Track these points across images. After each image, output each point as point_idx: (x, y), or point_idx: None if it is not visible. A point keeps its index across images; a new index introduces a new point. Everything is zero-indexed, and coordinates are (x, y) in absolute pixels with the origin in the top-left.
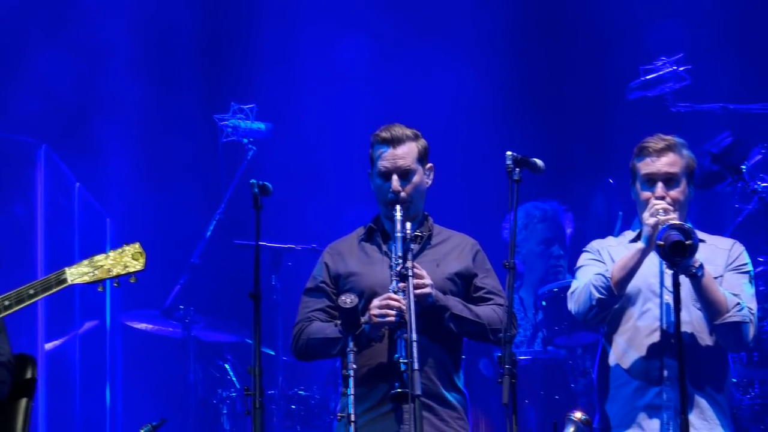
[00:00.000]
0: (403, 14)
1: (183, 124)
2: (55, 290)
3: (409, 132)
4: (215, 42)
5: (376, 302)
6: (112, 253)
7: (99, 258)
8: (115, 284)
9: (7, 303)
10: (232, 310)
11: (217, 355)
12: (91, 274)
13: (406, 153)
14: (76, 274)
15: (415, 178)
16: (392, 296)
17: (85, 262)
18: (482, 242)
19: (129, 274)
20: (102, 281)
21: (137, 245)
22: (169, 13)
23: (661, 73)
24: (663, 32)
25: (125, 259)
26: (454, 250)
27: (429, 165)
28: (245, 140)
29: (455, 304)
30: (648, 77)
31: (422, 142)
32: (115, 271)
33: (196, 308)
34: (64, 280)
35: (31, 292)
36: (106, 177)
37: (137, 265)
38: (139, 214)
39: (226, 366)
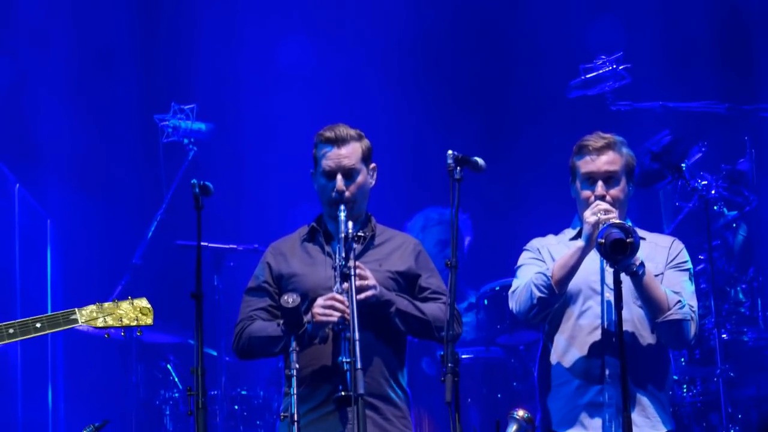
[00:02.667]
0: (343, 14)
1: (123, 125)
2: (62, 328)
3: (353, 132)
4: (155, 42)
5: (320, 301)
6: (121, 303)
7: (108, 305)
8: (122, 334)
9: (11, 331)
10: (174, 310)
11: (159, 356)
12: (102, 320)
13: (351, 153)
14: (87, 315)
15: (359, 178)
16: (336, 297)
17: (93, 306)
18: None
19: (137, 327)
20: (110, 329)
21: (145, 300)
22: (107, 12)
23: (600, 71)
24: (603, 31)
25: (136, 313)
26: (397, 250)
27: (372, 165)
28: (186, 140)
29: (400, 300)
30: (588, 76)
31: (366, 142)
32: (125, 322)
33: None
34: (74, 320)
35: (38, 325)
36: (46, 178)
37: (147, 320)
38: (80, 215)
39: (169, 367)
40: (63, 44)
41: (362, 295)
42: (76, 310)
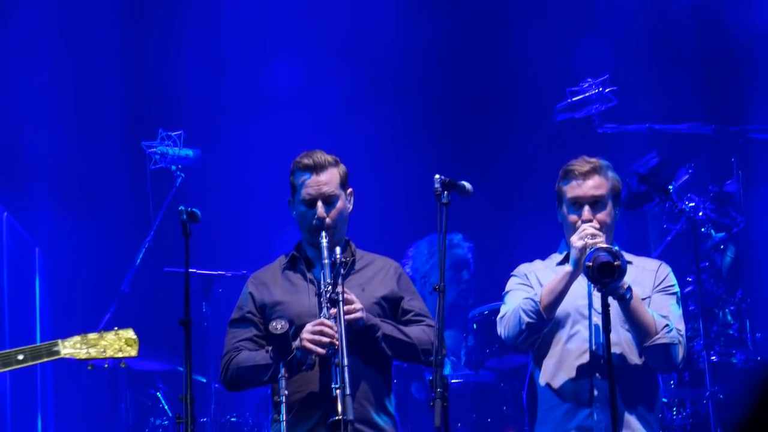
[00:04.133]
0: (328, 38)
1: (111, 152)
2: (45, 360)
3: (330, 158)
4: (142, 68)
5: (308, 327)
6: (106, 334)
7: (93, 336)
8: (105, 366)
9: None
10: (163, 337)
11: (148, 383)
12: (85, 351)
13: (330, 179)
14: (70, 347)
15: (339, 204)
16: (324, 322)
17: (78, 337)
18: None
19: (121, 359)
20: (91, 360)
21: (131, 331)
22: (94, 39)
23: (587, 94)
24: (589, 53)
25: (120, 344)
26: (378, 273)
27: (350, 190)
28: (173, 167)
29: (386, 325)
30: (574, 99)
31: (342, 167)
32: (109, 353)
33: None
34: (57, 352)
35: (20, 357)
36: (34, 206)
37: (131, 351)
38: (69, 243)
39: (158, 394)
40: (51, 70)
41: (350, 316)
42: (59, 341)
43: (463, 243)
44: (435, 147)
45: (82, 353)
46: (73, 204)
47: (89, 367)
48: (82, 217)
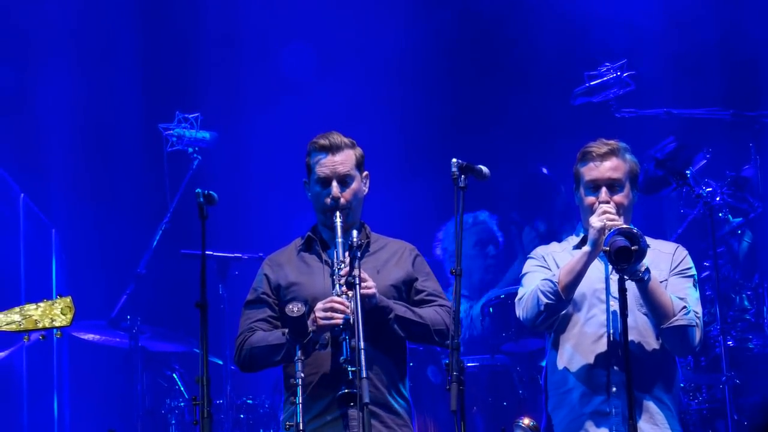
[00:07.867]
0: (344, 22)
1: (128, 134)
2: None
3: (346, 140)
4: (159, 51)
5: (320, 305)
6: (42, 305)
7: (29, 307)
8: (41, 337)
9: None
10: (179, 319)
11: (164, 365)
12: (19, 323)
13: (345, 159)
14: (4, 320)
15: (354, 185)
16: (336, 299)
17: (17, 309)
18: (422, 251)
19: (55, 328)
20: (27, 332)
21: (68, 299)
22: (110, 22)
23: (605, 78)
24: (607, 38)
25: (53, 312)
26: (393, 256)
27: (365, 173)
28: (190, 149)
29: (398, 306)
30: (592, 83)
31: (359, 150)
32: (41, 324)
33: (142, 318)
34: None
35: None
36: (51, 188)
37: (64, 321)
38: (85, 225)
39: (174, 376)
40: (67, 53)
41: (363, 291)
42: None
43: (490, 218)
44: (451, 131)
45: (15, 325)
46: (89, 186)
47: (25, 339)
48: (98, 199)
